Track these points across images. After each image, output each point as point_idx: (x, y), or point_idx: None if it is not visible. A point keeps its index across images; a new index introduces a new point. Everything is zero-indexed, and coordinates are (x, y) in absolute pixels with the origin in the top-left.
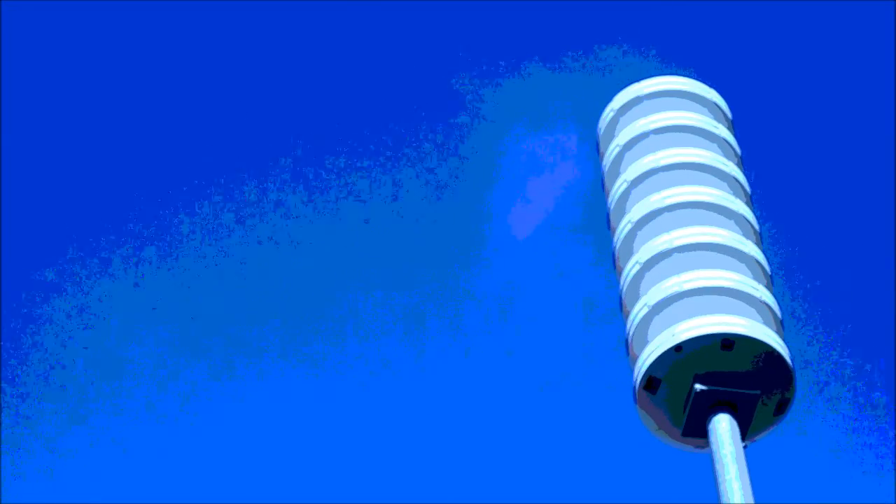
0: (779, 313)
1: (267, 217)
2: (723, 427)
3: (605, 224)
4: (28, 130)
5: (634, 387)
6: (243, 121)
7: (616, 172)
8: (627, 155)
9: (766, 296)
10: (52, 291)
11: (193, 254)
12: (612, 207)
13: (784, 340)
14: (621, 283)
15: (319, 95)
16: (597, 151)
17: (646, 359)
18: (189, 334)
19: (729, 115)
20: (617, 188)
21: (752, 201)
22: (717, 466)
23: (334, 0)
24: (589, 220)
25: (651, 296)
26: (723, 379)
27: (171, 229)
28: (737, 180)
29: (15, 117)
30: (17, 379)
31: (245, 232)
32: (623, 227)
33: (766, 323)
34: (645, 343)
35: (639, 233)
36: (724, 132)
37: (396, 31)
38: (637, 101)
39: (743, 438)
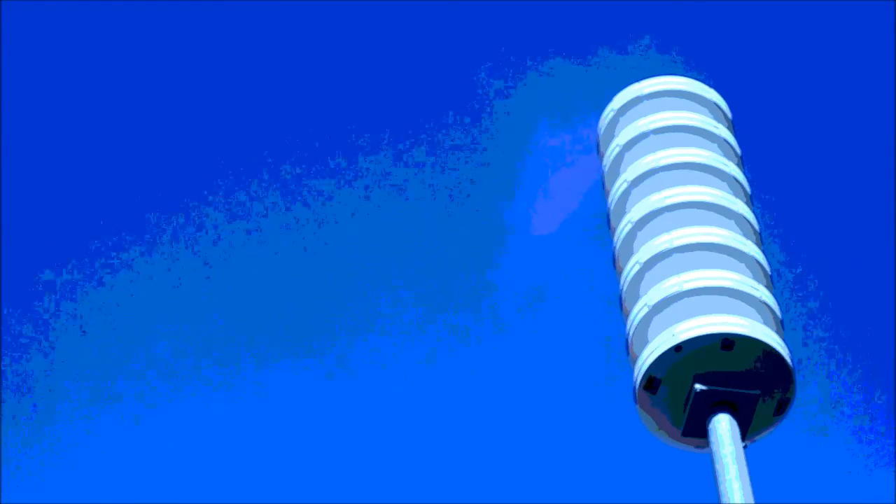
0: (779, 313)
1: (290, 213)
2: (723, 427)
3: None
4: (49, 128)
5: (634, 387)
6: (266, 117)
7: (616, 172)
8: (627, 155)
9: (765, 296)
10: (65, 289)
11: (207, 250)
12: (612, 207)
13: (784, 340)
14: (621, 283)
15: (346, 91)
16: (597, 151)
17: (646, 359)
18: (207, 331)
19: (729, 115)
20: (617, 188)
21: (752, 201)
22: (717, 466)
23: None
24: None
25: (651, 296)
26: (723, 379)
27: (188, 226)
28: (737, 180)
29: (29, 115)
30: (26, 375)
31: (267, 228)
32: (623, 227)
33: (766, 323)
34: (645, 343)
35: (639, 233)
36: (724, 132)
37: (421, 26)
38: (637, 101)
39: (743, 438)
